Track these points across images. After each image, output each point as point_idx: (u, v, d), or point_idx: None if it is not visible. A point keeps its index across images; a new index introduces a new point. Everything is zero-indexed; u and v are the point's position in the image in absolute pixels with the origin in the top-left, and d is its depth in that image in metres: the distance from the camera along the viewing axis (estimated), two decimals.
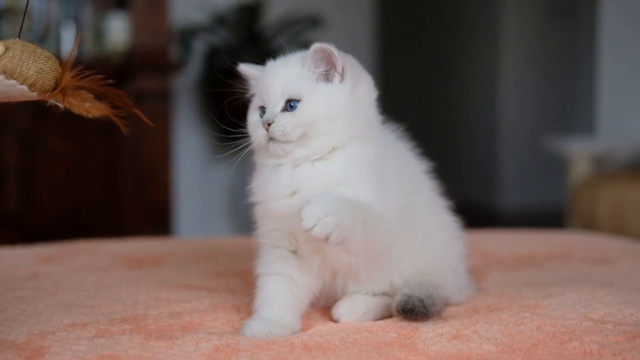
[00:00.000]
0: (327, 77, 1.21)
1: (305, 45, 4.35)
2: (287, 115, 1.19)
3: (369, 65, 4.89)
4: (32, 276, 1.61)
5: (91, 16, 3.61)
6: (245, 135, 1.25)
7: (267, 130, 1.20)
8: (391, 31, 6.82)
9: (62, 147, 3.51)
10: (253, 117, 1.25)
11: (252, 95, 1.28)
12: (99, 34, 3.63)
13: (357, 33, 4.91)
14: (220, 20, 4.18)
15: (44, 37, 3.53)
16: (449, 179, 1.43)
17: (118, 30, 3.59)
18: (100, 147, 3.56)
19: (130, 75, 3.54)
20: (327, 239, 1.11)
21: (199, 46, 4.16)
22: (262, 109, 1.23)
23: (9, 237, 3.29)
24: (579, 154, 3.70)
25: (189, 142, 4.24)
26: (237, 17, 4.22)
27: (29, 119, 3.44)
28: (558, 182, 5.30)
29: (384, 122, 1.33)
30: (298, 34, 4.23)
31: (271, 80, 1.22)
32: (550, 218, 4.94)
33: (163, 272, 1.64)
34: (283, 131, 1.19)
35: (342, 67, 1.20)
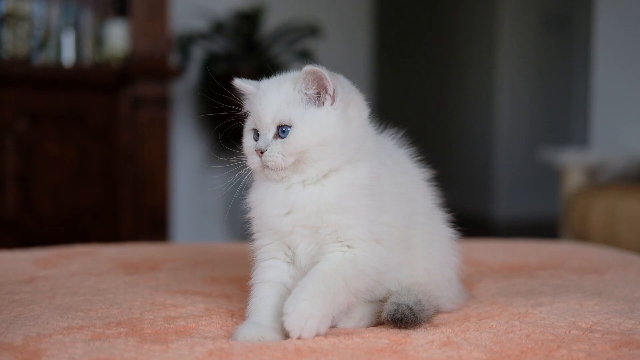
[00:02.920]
0: (318, 100, 1.21)
1: (303, 54, 4.39)
2: (279, 143, 1.20)
3: (366, 75, 4.92)
4: (29, 280, 1.62)
5: (91, 23, 3.64)
6: (242, 155, 1.27)
7: (261, 157, 1.21)
8: (388, 40, 6.86)
9: (60, 152, 3.52)
10: (248, 141, 1.26)
11: (247, 112, 1.29)
12: (98, 40, 3.66)
13: (354, 42, 4.94)
14: (218, 28, 4.21)
15: (44, 43, 3.56)
16: (443, 188, 1.45)
17: (117, 37, 3.62)
18: (98, 153, 3.58)
19: (129, 81, 3.56)
20: (319, 333, 1.17)
21: (198, 53, 4.18)
22: (256, 132, 1.25)
23: (6, 241, 3.30)
24: (573, 165, 3.72)
25: (186, 148, 4.26)
26: (235, 24, 4.24)
27: (28, 124, 3.46)
28: (552, 192, 5.33)
29: (382, 129, 1.34)
30: (296, 42, 4.25)
31: (263, 106, 1.22)
32: (543, 228, 4.97)
33: (159, 277, 1.65)
34: (275, 160, 1.20)
35: (333, 90, 1.20)
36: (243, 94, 1.29)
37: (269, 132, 1.21)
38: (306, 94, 1.21)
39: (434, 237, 1.37)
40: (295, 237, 1.24)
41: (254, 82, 1.28)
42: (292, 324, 1.15)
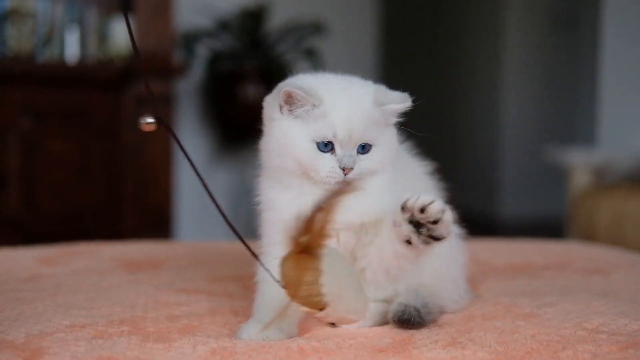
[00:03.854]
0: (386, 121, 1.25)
1: (308, 52, 4.35)
2: (366, 159, 1.22)
3: (371, 74, 4.91)
4: (32, 277, 1.62)
5: (95, 19, 3.64)
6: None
7: (345, 173, 1.20)
8: (393, 38, 6.85)
9: (64, 150, 3.52)
10: (312, 151, 1.20)
11: (294, 113, 1.21)
12: (103, 37, 3.65)
13: (359, 40, 4.94)
14: (223, 26, 4.20)
15: (48, 40, 3.56)
16: (449, 187, 1.45)
17: (122, 34, 3.61)
18: (101, 151, 3.58)
19: (133, 78, 3.56)
20: None
21: (203, 51, 4.18)
22: (326, 144, 1.21)
23: (9, 239, 3.30)
24: (579, 164, 3.71)
25: (190, 146, 4.25)
26: (240, 22, 4.24)
27: (31, 122, 3.46)
28: (558, 192, 5.31)
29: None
30: (301, 40, 4.25)
31: (346, 122, 1.19)
32: (549, 228, 4.95)
33: (162, 276, 1.65)
34: (361, 176, 1.21)
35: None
36: (293, 98, 1.20)
37: (354, 149, 1.21)
38: (386, 120, 1.24)
39: None
40: None
41: (312, 91, 1.20)
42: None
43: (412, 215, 1.16)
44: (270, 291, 1.25)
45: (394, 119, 1.25)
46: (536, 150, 5.89)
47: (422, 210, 1.15)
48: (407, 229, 1.17)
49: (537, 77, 6.41)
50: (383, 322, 1.29)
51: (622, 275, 1.70)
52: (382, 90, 1.26)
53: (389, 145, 1.24)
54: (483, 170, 6.56)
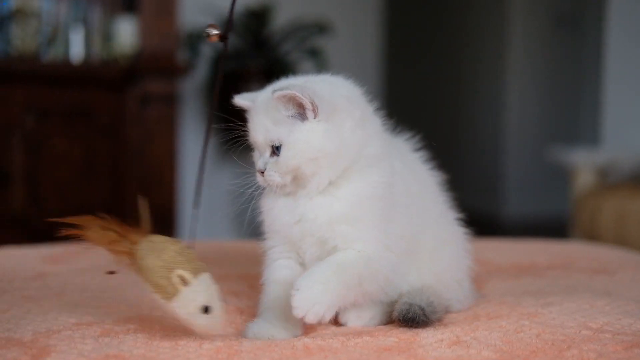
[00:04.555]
0: (302, 116, 1.19)
1: (312, 52, 4.36)
2: (272, 162, 1.21)
3: (375, 73, 4.91)
4: (38, 276, 1.63)
5: (100, 19, 3.64)
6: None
7: (264, 177, 1.22)
8: (397, 38, 6.84)
9: (68, 149, 3.53)
10: (254, 156, 1.27)
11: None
12: (107, 36, 3.66)
13: (363, 39, 4.93)
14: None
15: (53, 40, 3.56)
16: (453, 187, 1.45)
17: (126, 33, 3.62)
18: (105, 150, 3.58)
19: (137, 78, 3.56)
20: (321, 321, 1.15)
21: (206, 50, 4.19)
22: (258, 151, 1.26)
23: (14, 237, 3.31)
24: (583, 164, 3.71)
25: (194, 145, 4.26)
26: (244, 22, 4.24)
27: (35, 121, 3.47)
28: (561, 191, 5.31)
29: (397, 132, 1.34)
30: (305, 40, 4.25)
31: (254, 126, 1.23)
32: (553, 228, 4.95)
33: None
34: (274, 180, 1.20)
35: (311, 103, 1.17)
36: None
37: (265, 151, 1.22)
38: (288, 115, 1.19)
39: (445, 241, 1.37)
40: (304, 244, 1.24)
41: (251, 96, 1.26)
42: (300, 302, 1.12)
43: None
44: (276, 290, 1.26)
45: (306, 115, 1.18)
46: (540, 150, 5.89)
47: None
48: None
49: (541, 76, 6.40)
50: (388, 322, 1.29)
51: (627, 275, 1.70)
52: (283, 84, 1.23)
53: (295, 145, 1.18)
54: (487, 170, 6.55)
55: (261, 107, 1.22)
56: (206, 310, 1.09)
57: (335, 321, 1.28)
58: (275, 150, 1.20)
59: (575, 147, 4.78)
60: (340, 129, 1.19)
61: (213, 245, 2.11)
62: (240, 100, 1.27)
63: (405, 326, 1.23)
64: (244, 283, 1.56)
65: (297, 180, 1.21)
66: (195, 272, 1.11)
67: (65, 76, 3.53)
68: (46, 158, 3.50)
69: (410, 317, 1.23)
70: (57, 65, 3.55)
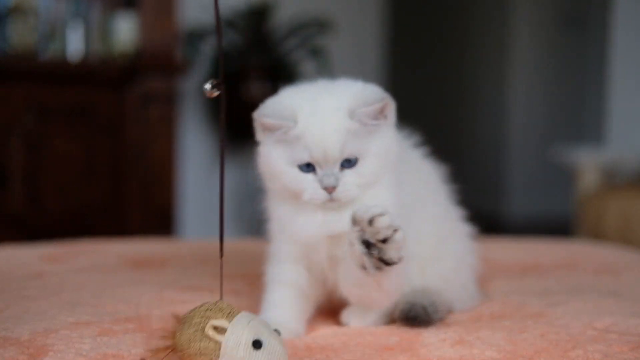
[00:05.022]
0: (380, 122, 1.18)
1: (314, 51, 4.34)
2: (351, 174, 1.16)
3: (378, 71, 4.90)
4: (36, 275, 1.62)
5: (99, 16, 3.62)
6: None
7: (330, 193, 1.16)
8: (400, 37, 6.83)
9: (68, 148, 3.52)
10: (294, 173, 1.18)
11: (274, 137, 1.18)
12: (106, 33, 3.64)
13: (366, 38, 4.92)
14: (228, 23, 4.19)
15: (51, 37, 3.55)
16: (456, 187, 1.44)
17: (126, 31, 3.60)
18: (105, 149, 3.57)
19: (137, 76, 3.55)
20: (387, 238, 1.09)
21: (207, 48, 4.17)
22: (307, 166, 1.17)
23: (13, 237, 3.30)
24: (587, 164, 3.69)
25: (194, 144, 4.25)
26: (245, 20, 4.23)
27: (34, 120, 3.46)
28: (565, 191, 5.29)
29: (398, 130, 1.33)
30: (307, 38, 4.24)
31: (321, 142, 1.15)
32: (557, 228, 4.93)
33: (167, 273, 1.65)
34: (351, 194, 1.16)
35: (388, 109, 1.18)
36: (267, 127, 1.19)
37: (335, 166, 1.16)
38: (369, 125, 1.16)
39: (449, 242, 1.35)
40: (326, 253, 1.21)
41: (286, 114, 1.17)
42: (383, 223, 1.07)
43: (362, 230, 1.08)
44: (280, 291, 1.25)
45: (386, 120, 1.18)
46: (544, 149, 5.87)
47: (371, 222, 1.07)
48: (359, 250, 1.09)
49: (545, 76, 6.39)
50: (390, 322, 1.28)
51: (633, 275, 1.69)
52: (360, 94, 1.18)
53: (380, 153, 1.17)
54: (491, 170, 6.54)
55: (321, 120, 1.15)
56: (258, 345, 0.99)
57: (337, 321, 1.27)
58: (345, 163, 1.16)
59: (580, 146, 4.76)
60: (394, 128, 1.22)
61: (213, 244, 2.09)
62: (274, 121, 1.17)
63: (407, 325, 1.22)
64: (244, 282, 1.55)
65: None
66: (230, 317, 1.01)
67: (64, 74, 3.51)
68: (46, 157, 3.49)
69: (412, 316, 1.21)
70: (55, 63, 3.53)
